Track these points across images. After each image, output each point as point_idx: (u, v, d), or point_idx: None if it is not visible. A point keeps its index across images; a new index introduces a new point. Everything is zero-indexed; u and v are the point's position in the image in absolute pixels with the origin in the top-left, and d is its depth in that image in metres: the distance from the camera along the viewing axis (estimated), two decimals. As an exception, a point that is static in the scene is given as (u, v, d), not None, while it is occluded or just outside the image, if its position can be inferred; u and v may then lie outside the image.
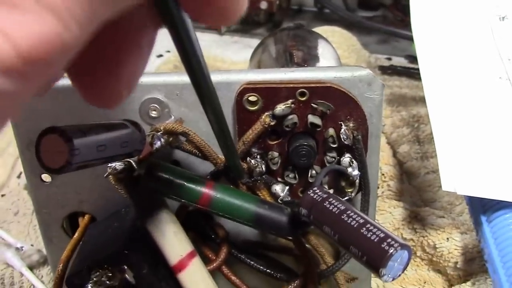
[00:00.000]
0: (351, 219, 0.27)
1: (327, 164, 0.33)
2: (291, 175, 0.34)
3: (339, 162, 0.33)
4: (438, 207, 0.50)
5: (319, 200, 0.28)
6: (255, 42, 0.53)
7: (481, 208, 0.40)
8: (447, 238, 0.42)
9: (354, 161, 0.32)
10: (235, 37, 0.92)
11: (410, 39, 0.53)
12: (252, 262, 0.35)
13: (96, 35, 0.14)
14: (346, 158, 0.32)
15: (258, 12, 0.84)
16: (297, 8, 1.01)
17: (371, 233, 0.25)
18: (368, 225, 0.26)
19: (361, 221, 0.26)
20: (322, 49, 0.42)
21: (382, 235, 0.25)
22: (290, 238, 0.32)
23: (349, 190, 0.34)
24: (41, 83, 0.13)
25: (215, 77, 0.32)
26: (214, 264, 0.34)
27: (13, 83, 0.12)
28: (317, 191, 0.29)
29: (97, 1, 0.13)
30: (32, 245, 0.46)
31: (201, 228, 0.36)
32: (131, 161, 0.31)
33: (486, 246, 0.38)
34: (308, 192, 0.29)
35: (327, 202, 0.28)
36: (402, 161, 0.55)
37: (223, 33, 0.93)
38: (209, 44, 0.88)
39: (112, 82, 0.17)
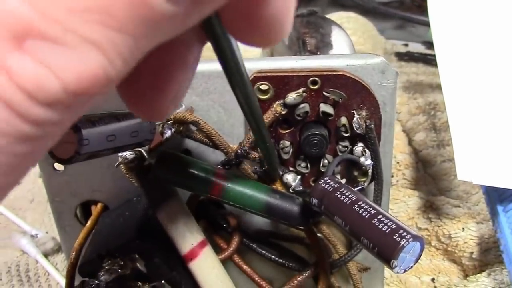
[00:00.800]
0: (362, 209, 0.26)
1: (340, 154, 0.32)
2: (303, 165, 0.33)
3: (351, 152, 0.32)
4: (454, 196, 0.49)
5: (330, 190, 0.28)
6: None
7: (498, 197, 0.39)
8: (463, 228, 0.42)
9: (367, 150, 0.32)
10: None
11: (427, 24, 0.52)
12: (264, 252, 0.35)
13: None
14: (359, 147, 0.32)
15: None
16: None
17: (383, 224, 0.25)
18: (380, 216, 0.26)
19: (373, 211, 0.26)
20: (336, 36, 0.41)
21: (394, 226, 0.25)
22: (302, 228, 0.32)
23: (361, 180, 0.33)
24: (83, 112, 0.13)
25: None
26: (226, 253, 0.34)
27: (57, 114, 0.12)
28: (329, 181, 0.29)
29: (141, 35, 0.13)
30: (47, 232, 0.46)
31: (213, 217, 0.36)
32: (142, 150, 0.31)
33: (502, 236, 0.37)
34: (319, 182, 0.29)
35: (338, 192, 0.28)
36: (417, 149, 0.54)
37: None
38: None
39: (159, 98, 0.17)
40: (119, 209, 0.35)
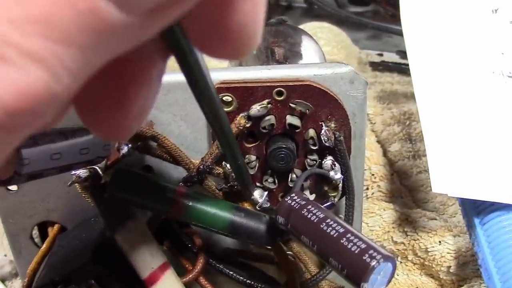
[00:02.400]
0: (330, 228, 0.25)
1: (308, 168, 0.31)
2: (270, 180, 0.32)
3: (320, 165, 0.31)
4: (430, 207, 0.48)
5: (297, 207, 0.26)
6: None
7: (474, 210, 0.38)
8: (439, 241, 0.40)
9: (337, 164, 0.30)
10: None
11: (401, 34, 0.51)
12: (232, 273, 0.33)
13: (96, 72, 0.13)
14: (328, 161, 0.30)
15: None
16: (286, 4, 0.99)
17: (352, 244, 0.23)
18: (349, 235, 0.24)
19: (341, 230, 0.24)
20: (306, 46, 0.39)
21: (363, 246, 0.23)
22: (269, 247, 0.30)
23: (332, 195, 0.32)
24: (31, 131, 0.12)
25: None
26: (191, 275, 0.32)
27: None
28: (295, 197, 0.27)
29: (91, 48, 0.11)
30: (5, 255, 0.44)
31: (177, 236, 0.34)
32: (97, 168, 0.29)
33: (480, 250, 0.36)
34: (286, 199, 0.27)
35: (305, 210, 0.26)
36: (393, 160, 0.53)
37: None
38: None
39: (120, 115, 0.16)
40: (75, 230, 0.33)
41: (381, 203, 0.45)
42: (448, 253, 0.40)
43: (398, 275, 0.42)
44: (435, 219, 0.42)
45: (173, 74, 0.30)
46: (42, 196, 0.34)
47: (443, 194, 0.48)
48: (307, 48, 0.39)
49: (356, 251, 0.23)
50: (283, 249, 0.31)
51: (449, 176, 0.36)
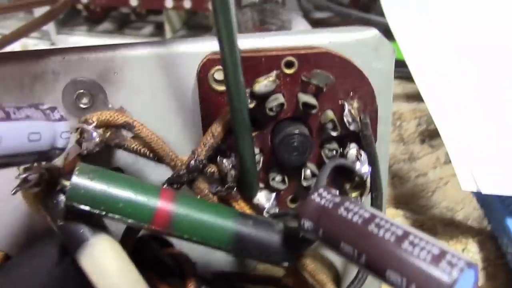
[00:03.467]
0: (383, 230, 0.18)
1: (326, 160, 0.24)
2: (278, 178, 0.25)
3: (342, 156, 0.24)
4: (436, 214, 0.42)
5: (330, 206, 0.19)
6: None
7: (504, 210, 0.33)
8: (463, 249, 0.35)
9: (363, 154, 0.24)
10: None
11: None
12: (230, 301, 0.26)
13: None
14: (352, 150, 0.24)
15: (207, 13, 0.76)
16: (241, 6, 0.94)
17: (419, 249, 0.17)
18: (411, 237, 0.17)
19: (400, 232, 0.18)
20: (298, 24, 0.33)
21: (436, 250, 0.17)
22: (286, 265, 0.23)
23: (355, 194, 0.25)
24: None
25: (169, 48, 0.23)
26: (178, 308, 0.25)
27: None
28: (325, 194, 0.20)
29: None
30: None
31: (157, 258, 0.26)
32: (52, 167, 0.21)
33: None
34: (312, 197, 0.20)
35: (342, 208, 0.19)
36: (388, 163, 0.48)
37: (170, 38, 0.84)
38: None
39: None
40: (23, 257, 0.25)
41: (389, 210, 0.39)
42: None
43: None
44: (453, 224, 0.37)
45: (155, 45, 0.23)
46: (-24, 215, 0.26)
47: (448, 198, 0.44)
48: (299, 26, 0.33)
49: (428, 259, 0.17)
50: (302, 269, 0.24)
51: (478, 172, 0.31)
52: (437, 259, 0.16)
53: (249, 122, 0.22)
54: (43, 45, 0.76)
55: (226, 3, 0.19)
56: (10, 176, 0.20)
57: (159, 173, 0.25)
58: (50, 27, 0.76)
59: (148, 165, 0.25)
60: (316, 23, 0.73)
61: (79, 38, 0.79)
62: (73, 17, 0.81)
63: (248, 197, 0.24)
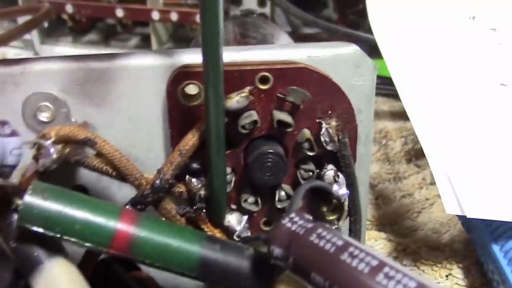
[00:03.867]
0: (357, 260, 0.17)
1: (302, 181, 0.23)
2: (251, 199, 0.24)
3: (318, 178, 0.23)
4: (421, 236, 0.41)
5: (301, 232, 0.18)
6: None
7: (490, 235, 0.31)
8: (446, 276, 0.33)
9: (340, 175, 0.23)
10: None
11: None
12: (198, 330, 0.24)
13: None
14: (330, 171, 0.23)
15: (194, 26, 0.75)
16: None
17: (395, 283, 0.16)
18: (387, 269, 0.16)
19: (375, 263, 0.16)
20: (280, 38, 0.32)
21: (412, 284, 0.15)
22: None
23: (332, 218, 0.24)
24: None
25: (136, 60, 0.22)
26: (143, 337, 0.23)
27: None
28: (296, 219, 0.19)
29: None
30: None
31: (123, 283, 0.25)
32: (6, 185, 0.20)
33: (506, 283, 0.29)
34: (283, 222, 0.19)
35: (314, 235, 0.18)
36: (372, 183, 0.46)
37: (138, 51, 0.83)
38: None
39: None
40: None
41: (371, 232, 0.38)
42: (457, 289, 0.33)
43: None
44: (438, 249, 0.35)
45: (122, 56, 0.22)
46: None
47: (434, 220, 0.43)
48: (282, 41, 0.32)
49: (403, 293, 0.15)
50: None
51: (464, 194, 0.30)
52: (413, 294, 0.15)
53: (224, 138, 0.20)
54: (25, 55, 0.75)
55: (216, 13, 0.18)
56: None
57: (126, 192, 0.23)
58: (34, 36, 0.75)
59: (113, 183, 0.23)
60: (303, 38, 0.73)
61: (63, 49, 0.77)
62: (58, 27, 0.79)
63: (216, 219, 0.22)
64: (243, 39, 0.32)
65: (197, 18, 0.76)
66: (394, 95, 0.44)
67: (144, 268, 0.25)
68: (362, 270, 0.16)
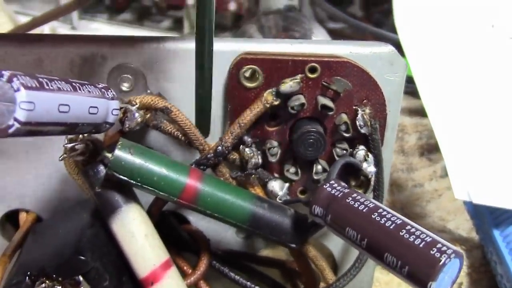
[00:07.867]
0: (384, 219, 0.21)
1: (337, 158, 0.27)
2: (292, 170, 0.28)
3: (351, 156, 0.27)
4: (429, 222, 0.45)
5: (339, 195, 0.22)
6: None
7: (492, 221, 0.35)
8: (450, 256, 0.37)
9: (370, 155, 0.27)
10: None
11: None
12: (238, 277, 0.28)
13: None
14: (361, 151, 0.27)
15: (226, 13, 0.79)
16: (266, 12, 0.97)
17: (414, 237, 0.20)
18: (409, 227, 0.20)
19: (399, 221, 0.21)
20: (318, 34, 0.36)
21: (428, 239, 0.20)
22: (293, 246, 0.26)
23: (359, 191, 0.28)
24: None
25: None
26: (192, 279, 0.27)
27: None
28: (335, 185, 0.23)
29: None
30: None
31: (175, 233, 0.29)
32: (95, 140, 0.24)
33: (502, 263, 0.33)
34: (324, 186, 0.23)
35: (350, 198, 0.22)
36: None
37: (185, 35, 0.87)
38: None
39: None
40: (57, 219, 0.28)
41: (385, 213, 0.42)
42: (459, 268, 0.37)
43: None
44: (444, 232, 0.40)
45: (191, 40, 0.26)
46: (17, 177, 0.28)
47: (442, 208, 0.47)
48: (319, 36, 0.36)
49: (421, 245, 0.19)
50: (305, 254, 0.27)
51: (471, 182, 0.34)
52: (429, 246, 0.19)
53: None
54: (63, 29, 0.79)
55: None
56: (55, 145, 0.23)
57: (184, 158, 0.27)
58: (73, 12, 0.79)
59: (174, 150, 0.27)
60: (332, 33, 0.76)
61: (99, 25, 0.82)
62: (96, 5, 0.83)
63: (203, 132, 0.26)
64: (287, 32, 0.36)
65: (230, 6, 0.80)
66: (413, 93, 0.48)
67: (194, 222, 0.30)
68: (389, 226, 0.20)
